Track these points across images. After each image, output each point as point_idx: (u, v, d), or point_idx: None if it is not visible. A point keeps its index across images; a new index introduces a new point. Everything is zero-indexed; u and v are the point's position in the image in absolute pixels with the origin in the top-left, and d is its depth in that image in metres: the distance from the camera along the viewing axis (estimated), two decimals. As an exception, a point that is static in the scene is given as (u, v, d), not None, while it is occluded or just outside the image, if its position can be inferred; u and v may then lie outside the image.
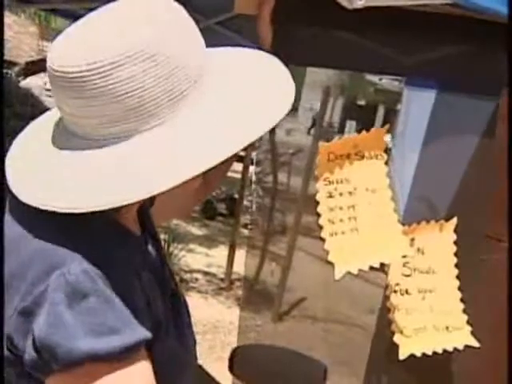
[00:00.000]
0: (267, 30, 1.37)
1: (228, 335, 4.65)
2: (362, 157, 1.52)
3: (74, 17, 3.32)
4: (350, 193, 1.49)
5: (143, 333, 0.92)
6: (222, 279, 6.11)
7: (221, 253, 6.75)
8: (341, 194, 1.49)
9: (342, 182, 1.49)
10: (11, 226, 0.98)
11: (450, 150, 1.92)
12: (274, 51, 1.31)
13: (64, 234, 0.93)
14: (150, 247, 1.12)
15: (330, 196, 1.48)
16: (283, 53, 1.14)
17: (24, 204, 0.94)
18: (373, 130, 1.54)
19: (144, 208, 1.16)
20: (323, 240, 1.45)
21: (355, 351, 4.25)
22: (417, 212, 1.61)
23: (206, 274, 6.30)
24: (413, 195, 1.87)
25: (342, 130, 26.76)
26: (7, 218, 1.00)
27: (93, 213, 0.90)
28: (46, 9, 3.63)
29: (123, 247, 0.98)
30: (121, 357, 0.89)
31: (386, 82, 26.95)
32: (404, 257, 1.54)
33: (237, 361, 1.92)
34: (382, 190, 1.53)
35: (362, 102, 32.11)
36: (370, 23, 1.54)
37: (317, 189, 1.47)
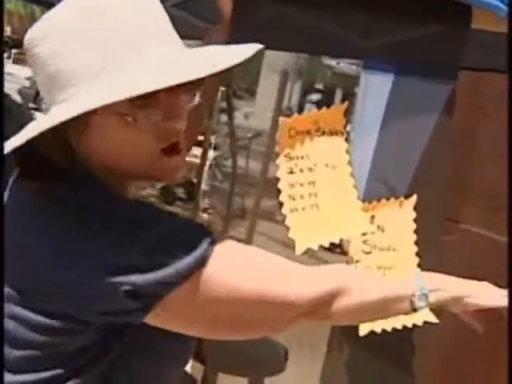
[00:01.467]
0: (228, 4, 1.34)
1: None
2: (323, 133, 1.51)
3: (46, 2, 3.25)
4: (310, 169, 1.48)
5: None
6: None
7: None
8: (301, 171, 1.47)
9: (303, 158, 1.48)
10: None
11: (407, 133, 1.93)
12: (232, 32, 1.29)
13: None
14: None
15: (291, 172, 1.46)
16: (241, 36, 1.12)
17: None
18: (333, 106, 1.53)
19: None
20: (284, 216, 1.44)
21: (312, 331, 4.28)
22: (375, 195, 1.61)
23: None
24: (371, 178, 1.86)
25: (300, 114, 26.70)
26: None
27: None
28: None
29: None
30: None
31: (344, 65, 27.17)
32: (364, 234, 1.54)
33: (203, 345, 1.92)
34: (342, 167, 1.52)
35: (319, 86, 32.34)
36: (330, 5, 1.53)
37: (277, 164, 1.46)
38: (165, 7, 1.03)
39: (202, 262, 0.94)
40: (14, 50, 18.17)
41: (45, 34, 0.96)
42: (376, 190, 1.70)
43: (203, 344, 2.08)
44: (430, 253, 1.62)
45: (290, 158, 1.47)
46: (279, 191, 1.47)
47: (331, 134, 1.51)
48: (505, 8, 1.36)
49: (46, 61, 0.96)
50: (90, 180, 1.00)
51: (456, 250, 2.24)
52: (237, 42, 1.05)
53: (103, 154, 1.00)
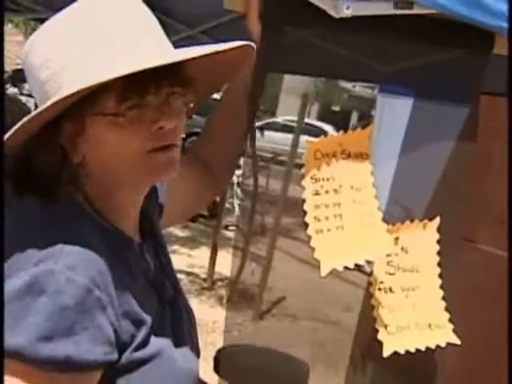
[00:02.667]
0: (257, 27, 1.37)
1: (211, 334, 4.66)
2: (348, 155, 1.53)
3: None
4: (336, 190, 1.50)
5: (79, 351, 0.89)
6: (204, 279, 6.12)
7: (202, 254, 6.76)
8: (327, 192, 1.50)
9: (328, 180, 1.50)
10: None
11: (427, 156, 1.94)
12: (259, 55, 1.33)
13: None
14: (147, 255, 1.13)
15: (316, 193, 1.49)
16: (266, 60, 1.15)
17: None
18: (358, 129, 1.55)
19: (148, 218, 1.19)
20: (309, 237, 1.46)
21: (333, 349, 4.29)
22: (395, 218, 1.62)
23: (188, 274, 6.31)
24: (391, 201, 1.88)
25: (317, 136, 26.69)
26: None
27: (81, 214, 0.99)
28: (33, 18, 3.60)
29: (114, 251, 1.00)
30: (42, 365, 0.87)
31: (360, 88, 27.33)
32: (388, 255, 1.55)
33: (222, 361, 1.93)
34: (367, 189, 1.54)
35: (336, 108, 32.55)
36: (351, 31, 1.55)
37: (303, 186, 1.48)
38: (192, 34, 1.06)
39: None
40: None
41: (35, 44, 1.00)
42: (395, 214, 1.72)
43: (222, 360, 2.09)
44: (447, 271, 1.63)
45: (315, 179, 1.49)
46: (304, 212, 1.49)
47: (356, 156, 1.54)
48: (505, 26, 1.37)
49: (37, 69, 0.99)
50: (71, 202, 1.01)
51: (471, 267, 2.25)
52: (262, 67, 1.08)
53: (96, 159, 1.01)
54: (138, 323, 0.99)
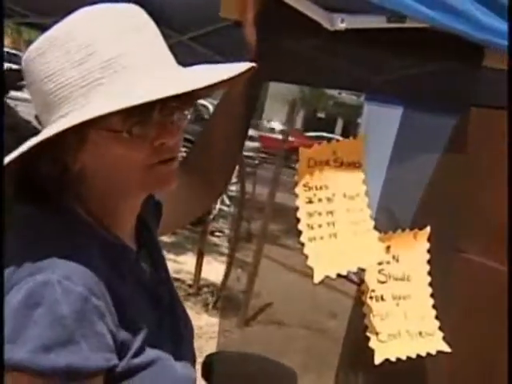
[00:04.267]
0: (253, 35, 1.39)
1: (198, 340, 4.65)
2: (341, 164, 1.54)
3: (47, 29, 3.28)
4: (329, 199, 1.51)
5: (80, 359, 0.89)
6: (190, 285, 6.11)
7: (188, 259, 6.74)
8: (320, 200, 1.51)
9: (321, 188, 1.51)
10: None
11: (416, 166, 1.96)
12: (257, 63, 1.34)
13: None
14: (143, 263, 1.13)
15: (310, 201, 1.49)
16: (263, 69, 1.16)
17: None
18: (351, 138, 1.57)
19: (145, 225, 1.19)
20: (302, 245, 1.47)
21: (320, 356, 4.30)
22: (383, 226, 1.64)
23: (175, 280, 6.25)
24: (380, 210, 1.90)
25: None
26: None
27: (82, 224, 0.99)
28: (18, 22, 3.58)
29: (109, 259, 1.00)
30: (45, 376, 0.88)
31: (345, 95, 27.50)
32: (380, 264, 1.57)
33: (211, 367, 1.93)
34: (360, 197, 1.55)
35: (321, 115, 32.70)
36: (342, 41, 1.56)
37: (296, 193, 1.49)
38: (182, 41, 1.06)
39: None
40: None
41: (39, 52, 0.98)
42: (384, 222, 1.73)
43: (211, 367, 2.09)
44: (437, 282, 1.64)
45: (308, 187, 1.50)
46: (298, 220, 1.50)
47: (349, 164, 1.55)
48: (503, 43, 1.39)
49: (41, 79, 0.98)
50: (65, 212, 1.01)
51: (459, 279, 2.27)
52: (259, 75, 1.09)
53: (97, 170, 1.02)
54: (134, 330, 1.00)
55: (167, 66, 1.03)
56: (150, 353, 1.01)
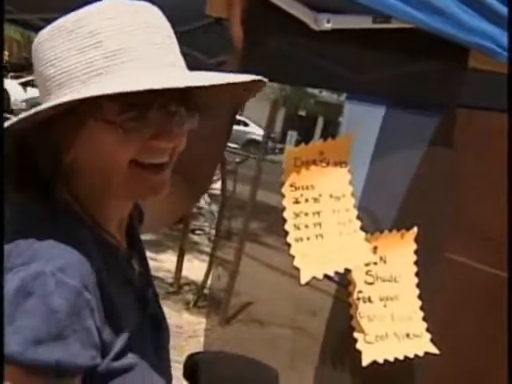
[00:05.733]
0: (239, 32, 1.37)
1: (177, 339, 4.62)
2: (327, 163, 1.53)
3: (31, 27, 3.24)
4: (315, 199, 1.50)
5: (69, 355, 0.88)
6: (170, 284, 6.08)
7: (168, 258, 6.71)
8: (306, 201, 1.49)
9: (308, 188, 1.50)
10: None
11: (398, 165, 1.96)
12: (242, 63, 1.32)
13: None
14: (134, 262, 1.12)
15: (296, 202, 1.48)
16: (248, 67, 1.14)
17: None
18: (339, 138, 1.55)
19: (134, 224, 1.18)
20: (288, 245, 1.45)
21: (301, 354, 4.30)
22: (365, 226, 1.63)
23: (154, 278, 6.22)
24: (361, 209, 1.89)
25: (283, 140, 27.08)
26: None
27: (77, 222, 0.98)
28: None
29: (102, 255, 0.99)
30: (31, 369, 0.86)
31: (326, 94, 27.61)
32: (367, 265, 1.56)
33: (193, 368, 1.91)
34: (346, 198, 1.54)
35: (302, 113, 32.80)
36: (326, 40, 1.55)
37: (283, 193, 1.47)
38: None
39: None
40: (11, 74, 18.44)
41: (47, 37, 0.99)
42: (365, 221, 1.72)
43: (193, 367, 2.07)
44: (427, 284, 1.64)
45: (295, 187, 1.49)
46: (284, 220, 1.48)
47: (335, 164, 1.54)
48: (500, 51, 1.39)
49: (44, 64, 0.98)
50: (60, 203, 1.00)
51: (443, 279, 2.27)
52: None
53: (87, 165, 1.00)
54: (118, 330, 0.98)
55: (173, 66, 1.01)
56: (130, 357, 0.99)
